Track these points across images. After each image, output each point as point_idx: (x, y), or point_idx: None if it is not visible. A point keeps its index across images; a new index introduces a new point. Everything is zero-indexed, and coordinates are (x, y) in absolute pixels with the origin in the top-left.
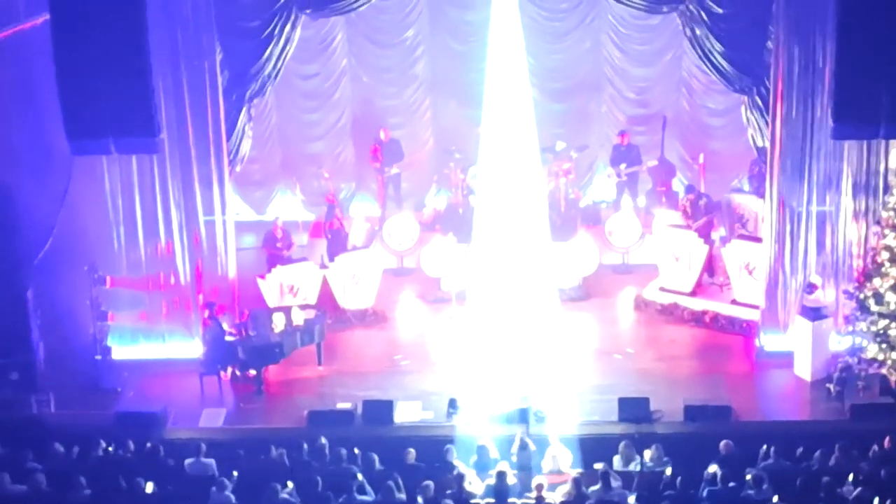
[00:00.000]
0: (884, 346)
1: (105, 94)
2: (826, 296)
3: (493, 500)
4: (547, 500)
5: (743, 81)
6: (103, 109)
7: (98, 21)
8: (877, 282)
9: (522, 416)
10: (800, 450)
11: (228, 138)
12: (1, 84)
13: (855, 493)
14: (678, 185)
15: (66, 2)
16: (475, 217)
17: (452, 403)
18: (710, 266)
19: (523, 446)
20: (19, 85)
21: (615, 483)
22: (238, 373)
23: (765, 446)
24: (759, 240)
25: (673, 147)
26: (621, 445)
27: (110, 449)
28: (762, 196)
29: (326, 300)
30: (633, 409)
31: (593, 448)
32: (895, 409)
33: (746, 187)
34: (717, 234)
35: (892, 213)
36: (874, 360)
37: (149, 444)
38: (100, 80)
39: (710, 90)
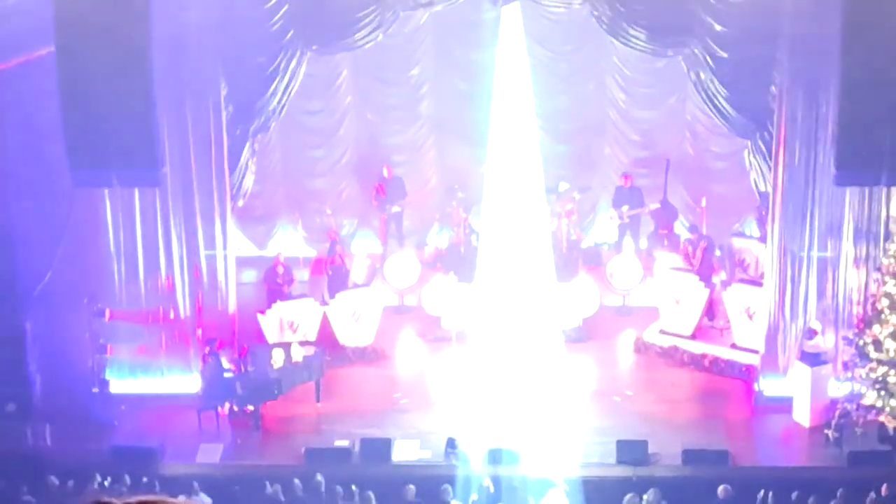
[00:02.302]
0: (882, 393)
1: (108, 126)
2: (826, 342)
3: None
4: None
5: (746, 126)
6: (106, 141)
7: (103, 54)
8: (876, 329)
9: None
10: (794, 494)
11: (231, 173)
12: (3, 114)
13: None
14: (680, 227)
15: (72, 34)
16: (477, 256)
17: (451, 443)
18: (711, 309)
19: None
20: (22, 115)
21: None
22: (236, 408)
23: (762, 491)
24: (759, 284)
25: (676, 190)
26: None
27: (106, 483)
28: (764, 240)
29: (326, 337)
30: (631, 451)
31: (592, 490)
32: (893, 457)
33: (749, 231)
34: (717, 278)
35: (892, 261)
36: (872, 406)
37: (145, 479)
38: (103, 113)
39: (713, 134)
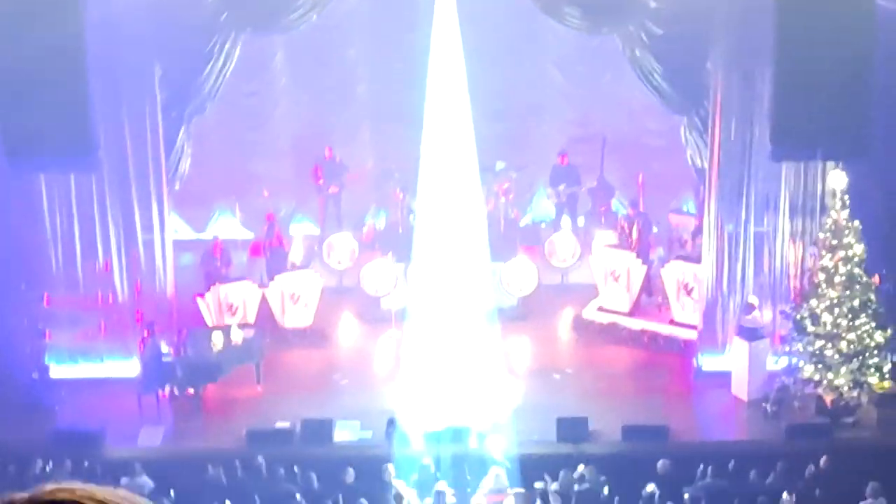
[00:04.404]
0: (819, 366)
1: (42, 112)
2: (763, 316)
3: None
4: None
5: (682, 102)
6: (41, 128)
7: (35, 40)
8: (813, 303)
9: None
10: (731, 463)
11: (167, 156)
12: None
13: None
14: (618, 205)
15: (3, 20)
16: (414, 236)
17: (391, 423)
18: (649, 286)
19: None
20: None
21: (554, 502)
22: (176, 391)
23: (702, 466)
24: (697, 260)
25: (613, 168)
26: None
27: (48, 468)
28: (701, 216)
29: (265, 319)
30: (571, 428)
31: (533, 467)
32: (830, 429)
33: (686, 208)
34: (655, 255)
35: (828, 235)
36: (810, 380)
37: (86, 463)
38: (37, 99)
39: (650, 111)
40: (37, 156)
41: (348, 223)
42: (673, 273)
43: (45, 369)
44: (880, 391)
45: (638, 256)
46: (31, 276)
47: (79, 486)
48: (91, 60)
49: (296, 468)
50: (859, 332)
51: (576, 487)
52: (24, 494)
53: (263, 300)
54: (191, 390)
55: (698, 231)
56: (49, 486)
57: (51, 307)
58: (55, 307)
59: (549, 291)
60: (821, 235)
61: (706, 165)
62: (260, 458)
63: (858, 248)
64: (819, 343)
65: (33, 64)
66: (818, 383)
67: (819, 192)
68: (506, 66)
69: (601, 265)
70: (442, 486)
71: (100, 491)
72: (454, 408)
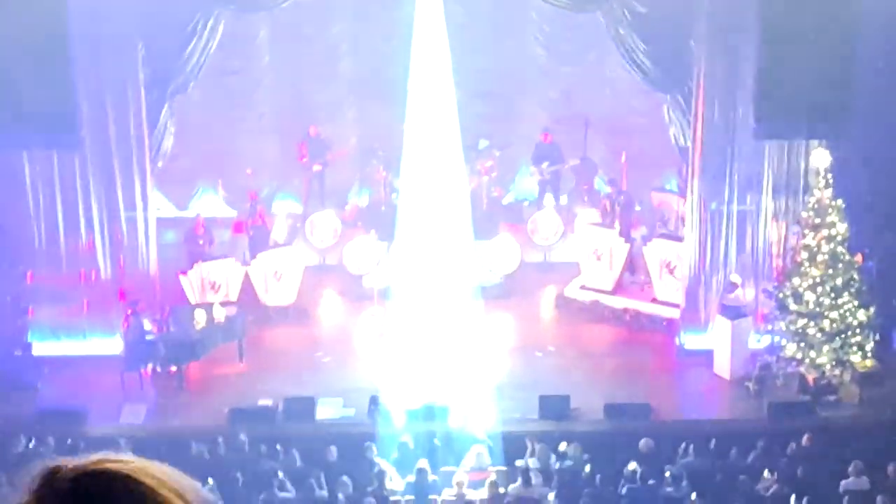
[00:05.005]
0: (802, 344)
1: (26, 89)
2: (746, 295)
3: (412, 497)
4: (467, 497)
5: (665, 81)
6: (24, 105)
7: (19, 17)
8: (796, 281)
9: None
10: (713, 442)
11: (150, 134)
12: None
13: (772, 490)
14: (600, 183)
15: None
16: (397, 215)
17: (374, 400)
18: (632, 264)
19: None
20: None
21: (535, 480)
22: (159, 369)
23: (683, 444)
24: (680, 239)
25: (596, 146)
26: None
27: (31, 445)
28: (684, 195)
29: (248, 297)
30: (553, 406)
31: (515, 445)
32: (813, 408)
33: (669, 186)
34: (637, 233)
35: (811, 213)
36: (792, 358)
37: (69, 440)
38: (20, 76)
39: (633, 89)
40: (20, 133)
41: (331, 201)
42: (656, 251)
43: (28, 346)
44: (863, 370)
45: (620, 235)
46: (13, 253)
47: (128, 458)
48: (74, 38)
49: (278, 446)
50: (842, 311)
51: (557, 465)
52: (70, 462)
53: (246, 278)
54: (173, 368)
55: (682, 211)
56: (97, 456)
57: (34, 284)
58: (38, 284)
59: (531, 269)
60: (804, 214)
61: (689, 144)
62: (242, 436)
63: (841, 227)
64: (801, 322)
65: (16, 41)
66: (800, 362)
67: (802, 171)
68: (489, 44)
69: (584, 243)
70: (423, 463)
71: (151, 465)
72: (436, 386)
